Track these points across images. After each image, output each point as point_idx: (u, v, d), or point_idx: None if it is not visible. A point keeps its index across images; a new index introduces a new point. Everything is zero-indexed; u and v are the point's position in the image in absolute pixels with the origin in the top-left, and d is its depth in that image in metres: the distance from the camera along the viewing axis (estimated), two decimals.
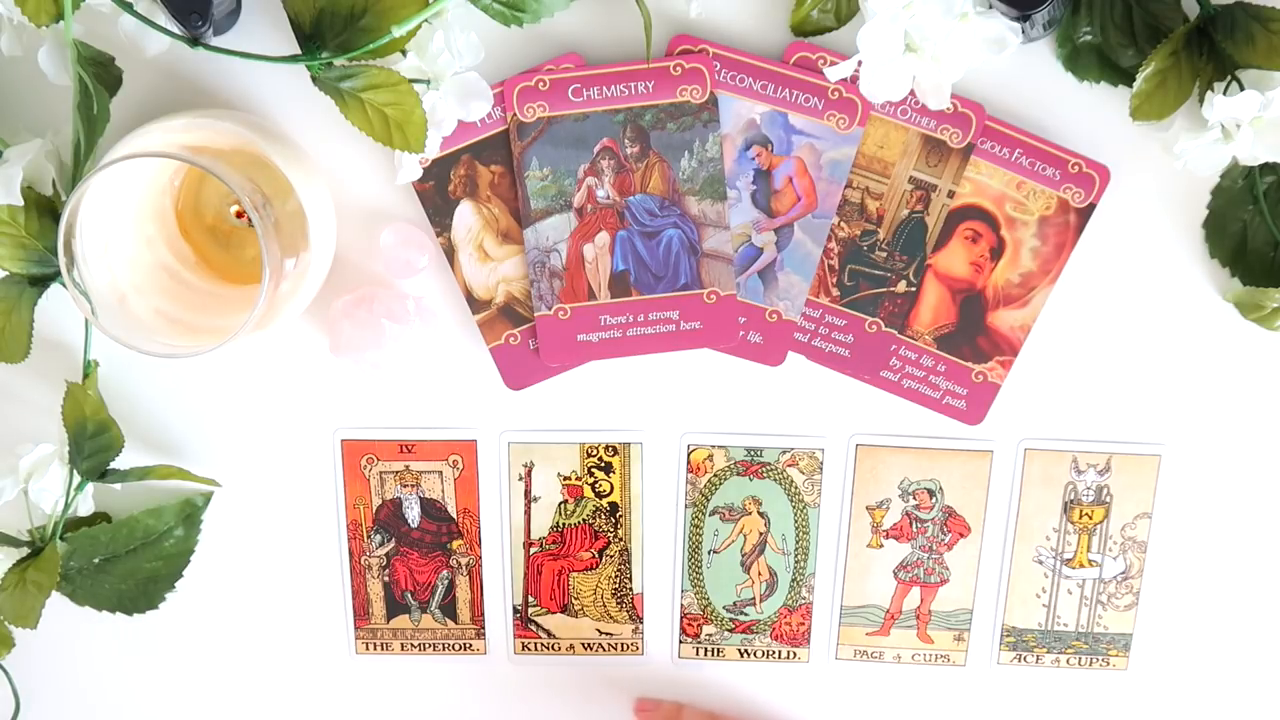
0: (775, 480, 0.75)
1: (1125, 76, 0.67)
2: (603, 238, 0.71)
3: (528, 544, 0.76)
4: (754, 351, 0.72)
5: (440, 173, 0.71)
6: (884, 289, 0.72)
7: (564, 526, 0.76)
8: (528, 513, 0.76)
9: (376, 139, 0.64)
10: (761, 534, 0.76)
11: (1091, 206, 0.70)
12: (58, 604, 0.73)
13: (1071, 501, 0.75)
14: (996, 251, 0.71)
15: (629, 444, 0.75)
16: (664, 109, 0.70)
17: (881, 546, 0.76)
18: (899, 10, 0.63)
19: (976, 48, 0.65)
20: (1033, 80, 0.69)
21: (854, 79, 0.68)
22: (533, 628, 0.78)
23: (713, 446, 0.75)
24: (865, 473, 0.75)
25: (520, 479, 0.75)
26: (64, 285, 0.63)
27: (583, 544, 0.76)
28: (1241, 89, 0.64)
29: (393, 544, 0.76)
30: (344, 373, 0.73)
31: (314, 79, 0.64)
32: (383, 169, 0.71)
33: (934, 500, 0.75)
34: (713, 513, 0.76)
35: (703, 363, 0.73)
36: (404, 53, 0.64)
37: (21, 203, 0.66)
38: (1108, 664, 0.77)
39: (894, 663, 0.78)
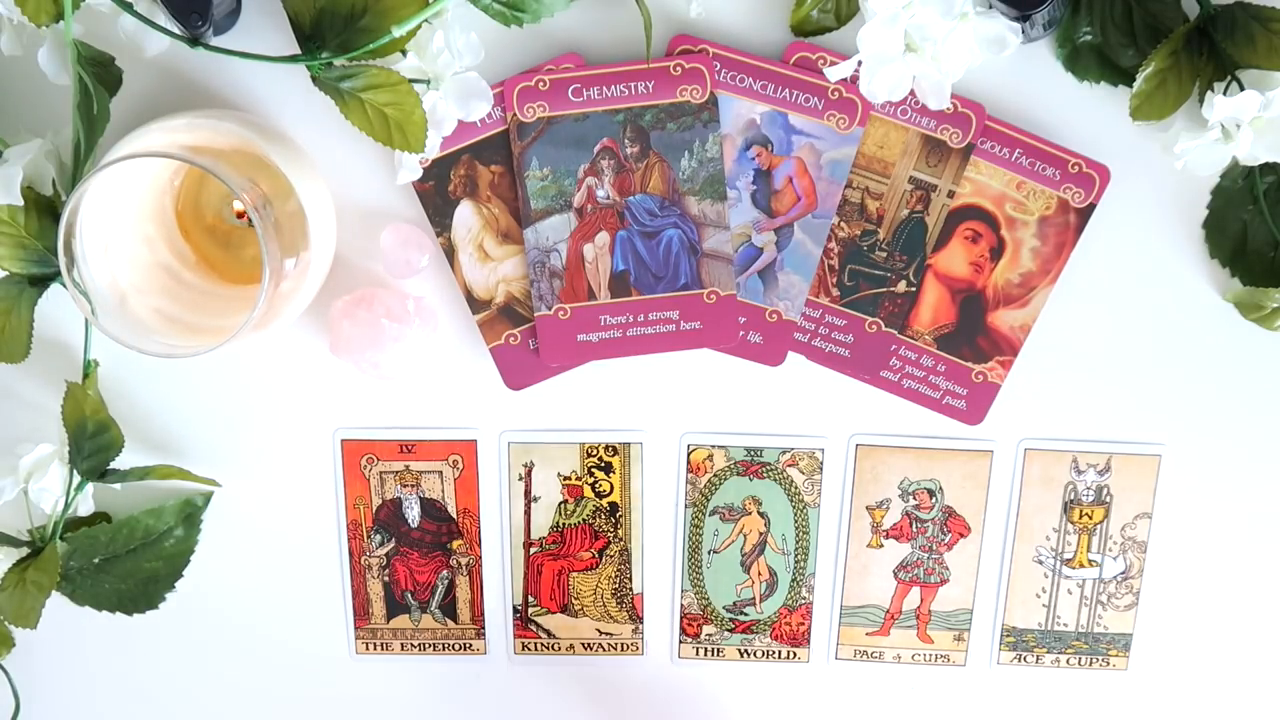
0: (775, 480, 0.75)
1: (1125, 76, 0.67)
2: (603, 238, 0.71)
3: (528, 544, 0.76)
4: (754, 351, 0.72)
5: (440, 173, 0.71)
6: (884, 289, 0.72)
7: (564, 526, 0.76)
8: (528, 513, 0.76)
9: (376, 139, 0.64)
10: (761, 534, 0.76)
11: (1091, 206, 0.70)
12: (58, 604, 0.73)
13: (1071, 501, 0.75)
14: (996, 251, 0.71)
15: (629, 444, 0.75)
16: (664, 109, 0.70)
17: (881, 546, 0.76)
18: (899, 10, 0.63)
19: (976, 48, 0.65)
20: (1033, 80, 0.69)
21: (854, 79, 0.68)
22: (533, 628, 0.78)
23: (713, 446, 0.75)
24: (865, 473, 0.75)
25: (520, 479, 0.75)
26: (64, 285, 0.63)
27: (583, 544, 0.76)
28: (1241, 89, 0.64)
29: (393, 544, 0.76)
30: (344, 373, 0.73)
31: (314, 79, 0.64)
32: (383, 169, 0.71)
33: (934, 500, 0.75)
34: (713, 513, 0.76)
35: (703, 363, 0.73)
36: (404, 53, 0.64)
37: (21, 203, 0.66)
38: (1108, 664, 0.77)
39: (894, 663, 0.78)
